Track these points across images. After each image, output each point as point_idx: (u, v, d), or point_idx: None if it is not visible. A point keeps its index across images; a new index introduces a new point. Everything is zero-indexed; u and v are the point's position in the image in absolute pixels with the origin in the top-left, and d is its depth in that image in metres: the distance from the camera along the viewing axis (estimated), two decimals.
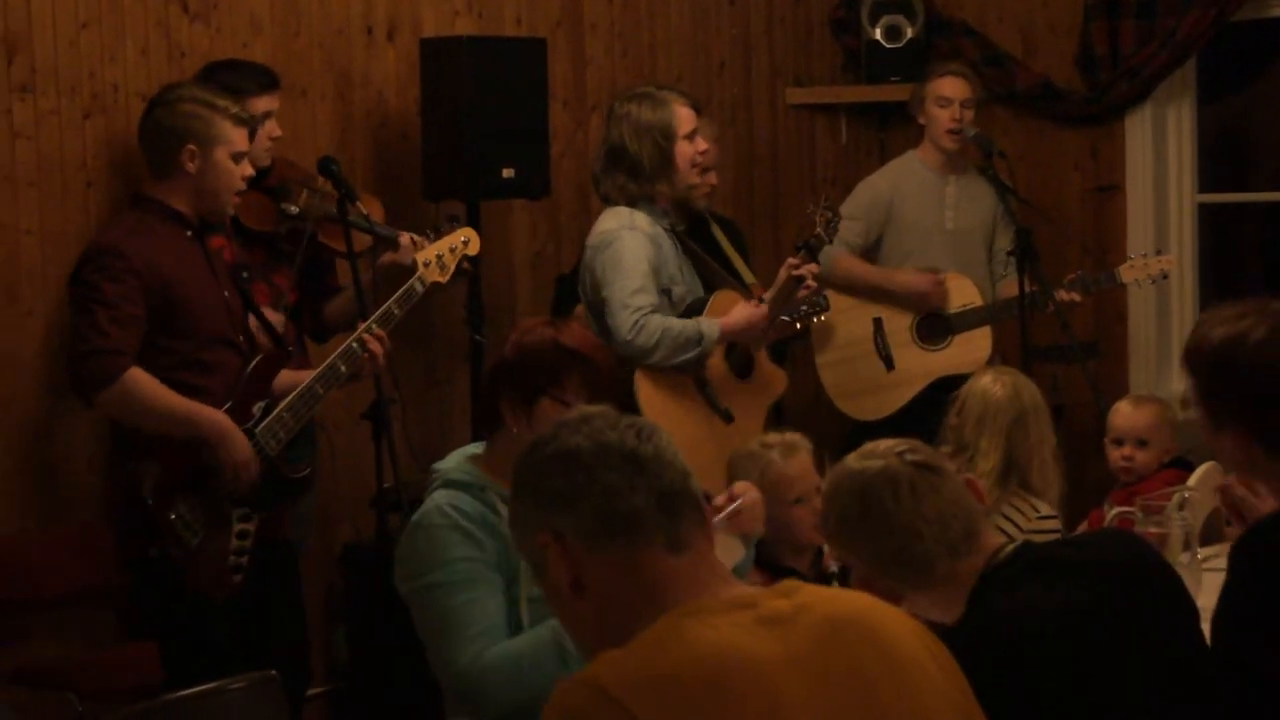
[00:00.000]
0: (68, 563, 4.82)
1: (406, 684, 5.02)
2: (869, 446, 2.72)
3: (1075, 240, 6.66)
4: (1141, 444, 4.75)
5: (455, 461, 3.25)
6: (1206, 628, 2.74)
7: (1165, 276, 5.98)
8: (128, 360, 4.17)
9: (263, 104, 4.87)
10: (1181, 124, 6.78)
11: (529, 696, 2.85)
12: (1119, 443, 4.78)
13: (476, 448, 3.29)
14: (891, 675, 2.02)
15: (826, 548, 3.77)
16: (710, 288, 5.21)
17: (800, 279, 5.09)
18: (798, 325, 5.42)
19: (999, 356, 5.90)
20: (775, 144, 6.97)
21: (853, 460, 2.70)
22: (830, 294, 5.65)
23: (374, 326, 4.44)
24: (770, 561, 3.92)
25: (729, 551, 3.06)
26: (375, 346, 4.41)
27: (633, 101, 5.11)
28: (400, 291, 4.53)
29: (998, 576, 2.60)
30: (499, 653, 3.01)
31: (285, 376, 4.42)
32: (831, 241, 5.31)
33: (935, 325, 6.04)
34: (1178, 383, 6.74)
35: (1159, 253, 6.14)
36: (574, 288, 5.33)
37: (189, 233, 4.38)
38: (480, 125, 5.41)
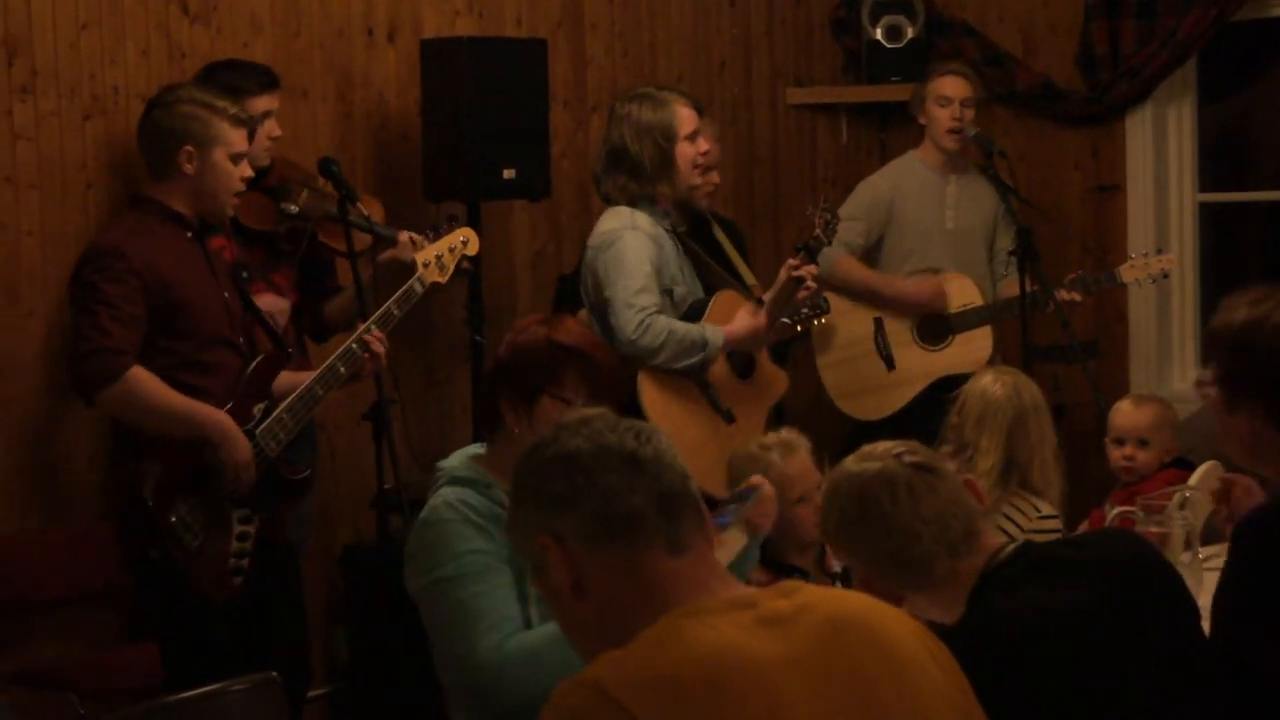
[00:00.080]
0: (69, 563, 4.83)
1: (407, 685, 5.02)
2: (867, 449, 2.73)
3: (1076, 240, 6.66)
4: (1142, 443, 4.75)
5: (459, 460, 3.25)
6: (1207, 627, 2.75)
7: (1166, 276, 5.98)
8: (129, 359, 4.17)
9: (262, 103, 4.87)
10: (1182, 123, 6.78)
11: (546, 691, 2.85)
12: (1120, 442, 4.78)
13: (479, 448, 3.28)
14: (892, 675, 2.03)
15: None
16: (710, 289, 5.21)
17: (800, 280, 5.09)
18: (798, 327, 5.42)
19: (1000, 356, 5.90)
20: (776, 144, 6.97)
21: (851, 462, 2.71)
22: (831, 295, 5.65)
23: (373, 327, 4.43)
24: (774, 559, 3.92)
25: (730, 544, 3.06)
26: (378, 347, 4.42)
27: (633, 102, 5.11)
28: (400, 292, 4.53)
29: (998, 576, 2.60)
30: (519, 644, 2.97)
31: (285, 378, 4.42)
32: (830, 243, 5.30)
33: (936, 325, 6.04)
34: (1178, 382, 6.74)
35: (1159, 252, 6.14)
36: (575, 288, 5.33)
37: (189, 234, 4.38)
38: (481, 126, 5.41)
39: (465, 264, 4.81)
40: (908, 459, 2.67)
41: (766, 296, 5.22)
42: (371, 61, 5.66)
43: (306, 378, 4.39)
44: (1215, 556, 3.63)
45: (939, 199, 6.16)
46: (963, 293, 6.02)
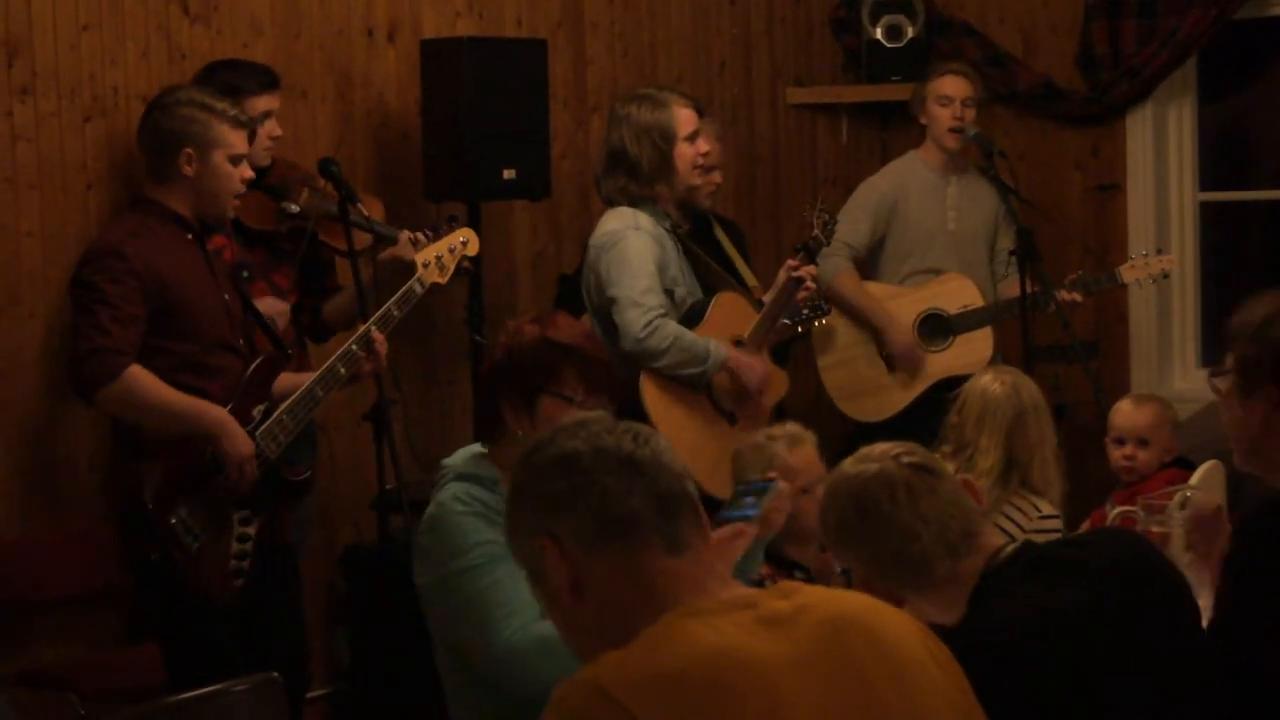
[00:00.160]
0: (69, 564, 4.83)
1: (408, 685, 5.02)
2: (864, 450, 2.73)
3: (1076, 240, 6.66)
4: (1143, 443, 4.74)
5: (463, 458, 3.25)
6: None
7: (1166, 276, 5.98)
8: (128, 359, 4.17)
9: (263, 103, 4.87)
10: (1182, 123, 6.78)
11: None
12: (1120, 442, 4.78)
13: (481, 447, 3.28)
14: (892, 676, 2.03)
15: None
16: (710, 290, 5.21)
17: (800, 280, 5.09)
18: (798, 329, 5.42)
19: (1000, 356, 5.89)
20: (776, 144, 6.97)
21: (849, 464, 2.71)
22: None
23: (373, 328, 4.43)
24: (773, 553, 3.92)
25: (750, 536, 3.03)
26: (380, 348, 4.42)
27: (633, 103, 5.11)
28: (399, 293, 4.53)
29: (998, 577, 2.60)
30: (539, 631, 2.95)
31: (285, 379, 4.42)
32: (829, 243, 5.31)
33: (937, 326, 6.04)
34: (1179, 382, 6.74)
35: (1160, 252, 6.14)
36: (576, 288, 5.33)
37: (189, 235, 4.38)
38: (481, 126, 5.41)
39: (466, 264, 4.81)
40: (906, 460, 2.67)
41: (766, 297, 5.22)
42: (372, 62, 5.66)
43: (306, 379, 4.39)
44: None
45: (941, 199, 6.16)
46: (963, 294, 6.02)
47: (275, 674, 3.39)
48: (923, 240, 6.12)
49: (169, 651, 4.37)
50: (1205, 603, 2.85)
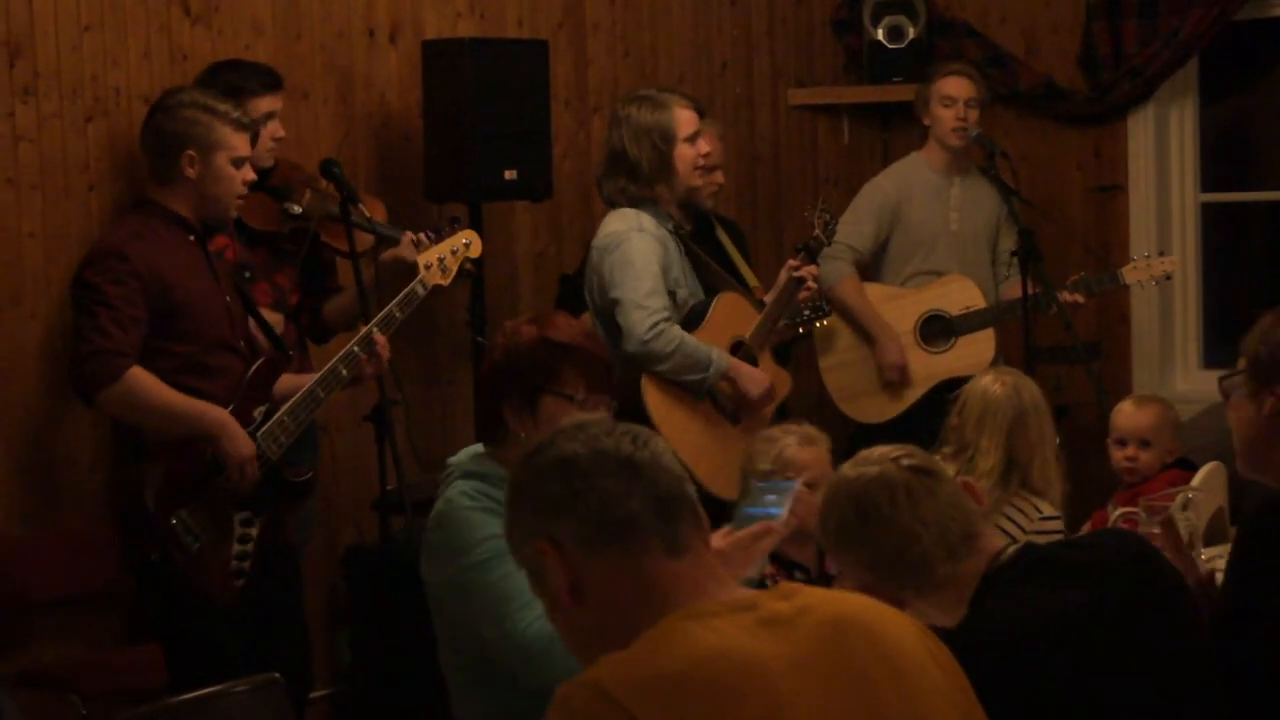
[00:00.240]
0: (71, 565, 4.83)
1: (410, 686, 5.02)
2: (864, 454, 2.73)
3: (1078, 240, 6.66)
4: (1144, 444, 4.74)
5: (467, 457, 3.25)
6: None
7: (1169, 278, 5.98)
8: (129, 361, 4.18)
9: (265, 104, 4.87)
10: (1184, 124, 6.78)
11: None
12: (1122, 443, 4.78)
13: (483, 449, 3.28)
14: (893, 676, 2.03)
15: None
16: (711, 290, 5.20)
17: (801, 280, 5.10)
18: (800, 329, 5.42)
19: (1002, 358, 5.89)
20: (777, 145, 6.97)
21: (848, 468, 2.72)
22: None
23: (375, 330, 4.43)
24: (773, 554, 3.91)
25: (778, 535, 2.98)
26: (382, 350, 4.42)
27: (633, 104, 5.11)
28: (401, 295, 4.53)
29: (1000, 579, 2.60)
30: None
31: (286, 380, 4.42)
32: (830, 243, 5.31)
33: (939, 327, 6.04)
34: (1181, 383, 6.74)
35: (1162, 254, 6.13)
36: (578, 288, 5.33)
37: (191, 237, 4.39)
38: (482, 127, 5.41)
39: (468, 266, 4.81)
40: (905, 463, 2.68)
41: (768, 298, 5.22)
42: (373, 63, 5.66)
43: (307, 380, 4.39)
44: (1218, 557, 3.64)
45: (944, 201, 6.16)
46: (965, 295, 6.02)
47: (277, 675, 3.40)
48: (925, 241, 6.12)
49: (170, 652, 4.38)
50: None
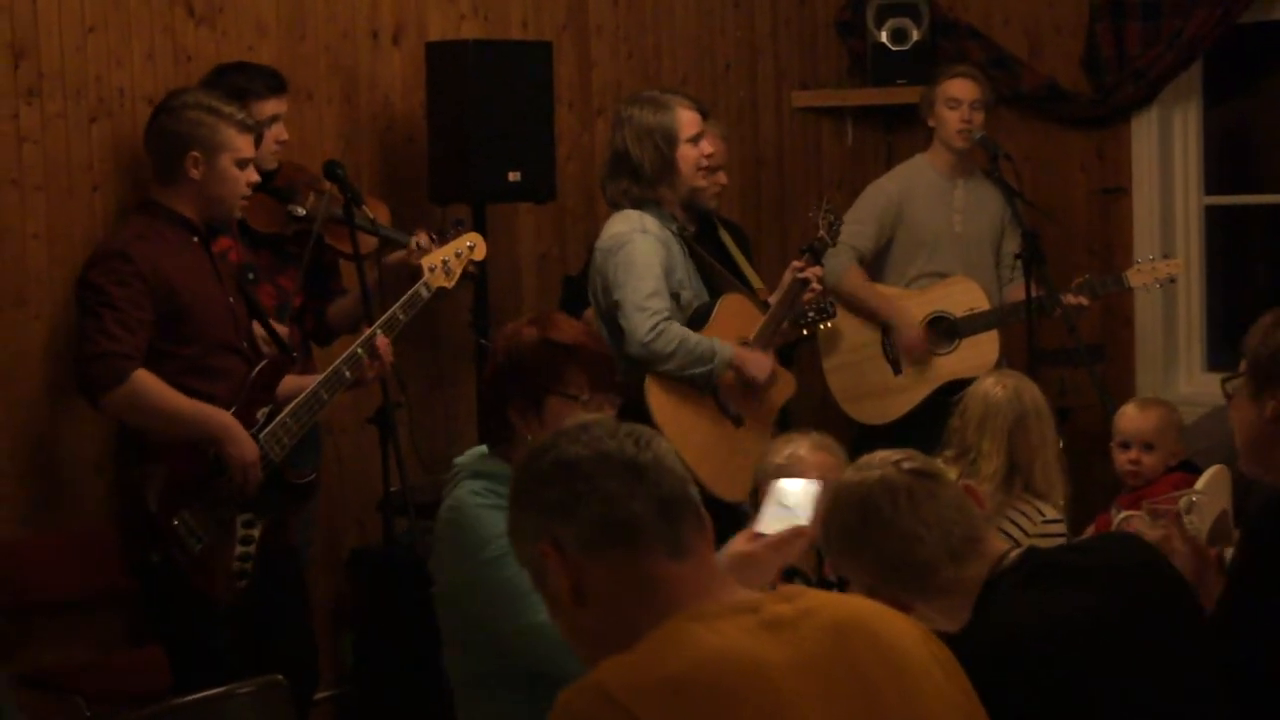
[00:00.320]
0: (74, 566, 4.83)
1: (413, 688, 5.02)
2: (865, 458, 2.73)
3: (1081, 242, 6.66)
4: (1148, 447, 4.74)
5: (473, 457, 3.25)
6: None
7: (1173, 281, 5.98)
8: (134, 363, 4.18)
9: (270, 107, 4.88)
10: (1188, 126, 6.77)
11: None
12: (1125, 446, 4.77)
13: (488, 450, 3.28)
14: (895, 679, 2.03)
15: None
16: (715, 292, 5.21)
17: (805, 281, 5.10)
18: (804, 331, 5.42)
19: (1006, 360, 5.89)
20: (781, 147, 6.97)
21: (850, 473, 2.72)
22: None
23: (378, 332, 4.43)
24: None
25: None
26: (385, 353, 4.42)
27: (635, 105, 5.11)
28: (405, 297, 4.53)
29: (1004, 583, 2.60)
30: None
31: (289, 382, 4.42)
32: (835, 243, 5.30)
33: (943, 329, 6.03)
34: (1185, 385, 6.73)
35: (1166, 256, 6.13)
36: (581, 289, 5.33)
37: (195, 238, 4.39)
38: (486, 128, 5.41)
39: (471, 269, 4.81)
40: (907, 466, 2.68)
41: (772, 299, 5.22)
42: (377, 64, 5.66)
43: (311, 382, 4.39)
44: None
45: (947, 203, 6.16)
46: (969, 297, 6.02)
47: (280, 677, 3.40)
48: (929, 243, 6.12)
49: (173, 654, 4.38)
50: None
